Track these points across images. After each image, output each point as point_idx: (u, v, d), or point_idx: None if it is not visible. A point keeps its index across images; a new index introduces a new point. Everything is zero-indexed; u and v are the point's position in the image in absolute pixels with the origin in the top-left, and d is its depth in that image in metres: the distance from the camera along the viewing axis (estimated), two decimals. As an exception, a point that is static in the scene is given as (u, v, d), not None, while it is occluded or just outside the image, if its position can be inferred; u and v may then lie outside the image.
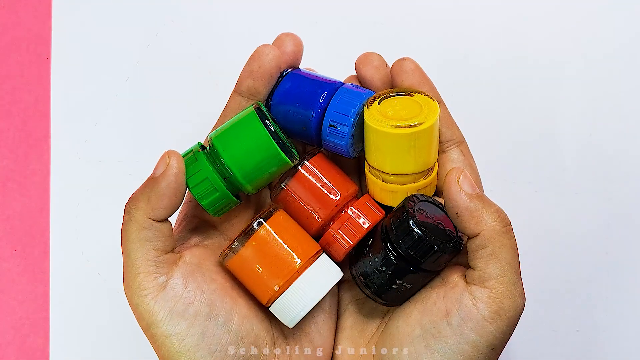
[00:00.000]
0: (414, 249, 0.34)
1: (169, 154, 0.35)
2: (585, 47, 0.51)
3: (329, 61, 0.51)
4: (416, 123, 0.34)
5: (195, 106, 0.52)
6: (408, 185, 0.36)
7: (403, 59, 0.37)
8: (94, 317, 0.51)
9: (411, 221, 0.34)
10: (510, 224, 0.34)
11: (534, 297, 0.50)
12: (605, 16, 0.51)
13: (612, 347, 0.50)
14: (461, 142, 0.38)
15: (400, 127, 0.34)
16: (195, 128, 0.52)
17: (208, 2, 0.53)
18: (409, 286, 0.36)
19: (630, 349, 0.50)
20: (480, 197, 0.34)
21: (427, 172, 0.37)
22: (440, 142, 0.38)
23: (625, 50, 0.51)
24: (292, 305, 0.35)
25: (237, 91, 0.37)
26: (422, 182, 0.37)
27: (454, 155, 0.38)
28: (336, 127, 0.36)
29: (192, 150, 0.36)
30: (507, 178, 0.51)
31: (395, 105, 0.36)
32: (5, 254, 0.52)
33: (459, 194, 0.34)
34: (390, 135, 0.34)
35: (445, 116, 0.38)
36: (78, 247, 0.51)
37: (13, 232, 0.52)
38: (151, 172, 0.35)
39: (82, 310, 0.51)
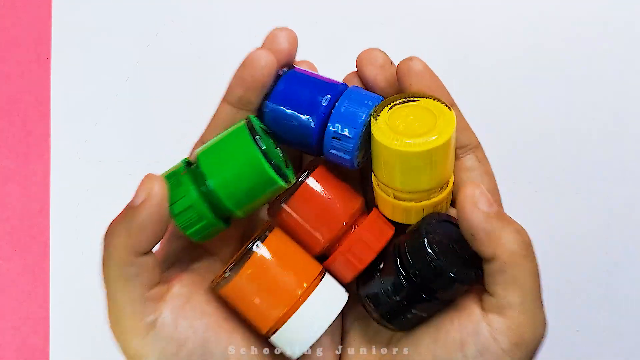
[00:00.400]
0: (432, 280, 0.31)
1: (150, 178, 0.30)
2: (586, 48, 0.51)
3: (329, 61, 0.50)
4: (432, 138, 0.30)
5: (195, 106, 0.52)
6: (423, 202, 0.32)
7: (410, 58, 0.33)
8: (94, 317, 0.51)
9: (429, 249, 0.31)
10: (532, 244, 0.31)
11: (534, 297, 0.50)
12: (606, 16, 0.51)
13: (612, 347, 0.50)
14: (476, 147, 0.34)
15: (414, 143, 0.30)
16: (195, 128, 0.52)
17: (208, 2, 0.53)
18: (424, 315, 0.32)
19: (630, 349, 0.50)
20: (499, 216, 0.31)
21: (443, 185, 0.33)
22: (455, 148, 0.34)
23: (626, 51, 0.51)
24: (297, 334, 0.31)
25: (226, 100, 0.33)
26: (438, 197, 0.33)
27: (469, 162, 0.34)
28: (340, 140, 0.32)
29: (175, 172, 0.32)
30: (507, 178, 0.51)
31: (406, 115, 0.32)
32: (5, 254, 0.52)
33: (474, 213, 0.30)
34: (403, 154, 0.30)
35: (460, 120, 0.34)
36: (78, 247, 0.51)
37: (13, 232, 0.52)
38: (130, 200, 0.31)
39: (82, 310, 0.51)
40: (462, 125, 0.34)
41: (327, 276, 0.33)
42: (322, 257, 0.34)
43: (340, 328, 0.36)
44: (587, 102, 0.51)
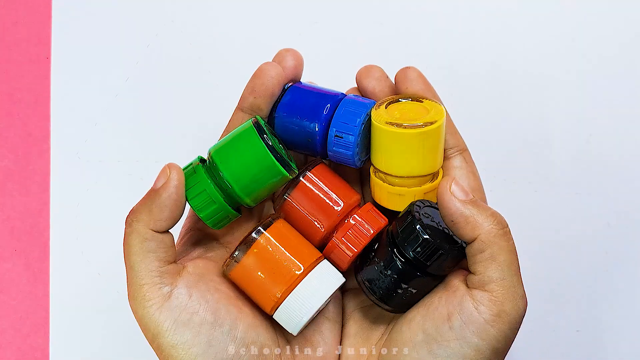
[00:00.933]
0: (420, 252, 0.34)
1: (169, 166, 0.35)
2: (585, 48, 0.51)
3: (329, 61, 0.51)
4: (423, 123, 0.35)
5: (195, 106, 0.52)
6: (415, 188, 0.37)
7: (407, 67, 0.38)
8: (94, 317, 0.51)
9: (417, 225, 0.34)
10: (508, 226, 0.34)
11: (534, 297, 0.50)
12: (605, 16, 0.51)
13: (612, 347, 0.50)
14: (464, 150, 0.39)
15: (409, 127, 0.35)
16: (194, 128, 0.52)
17: (208, 3, 0.53)
18: (414, 291, 0.36)
19: (630, 349, 0.50)
20: (475, 202, 0.34)
21: (433, 176, 0.37)
22: (444, 149, 0.38)
23: (625, 51, 0.51)
24: (294, 311, 0.35)
25: (240, 108, 0.38)
26: (428, 185, 0.37)
27: (456, 162, 0.38)
28: (342, 137, 0.36)
29: (191, 164, 0.36)
30: (507, 178, 0.51)
31: (402, 108, 0.36)
32: (5, 254, 0.52)
33: (451, 201, 0.34)
34: (399, 135, 0.35)
35: (449, 123, 0.39)
36: (78, 247, 0.51)
37: (13, 232, 0.52)
38: (152, 185, 0.35)
39: (82, 310, 0.51)
40: (452, 128, 0.39)
41: (325, 261, 0.37)
42: (324, 248, 0.38)
43: (341, 316, 0.40)
44: (587, 102, 0.51)
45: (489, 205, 0.35)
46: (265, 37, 0.52)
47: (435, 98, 0.38)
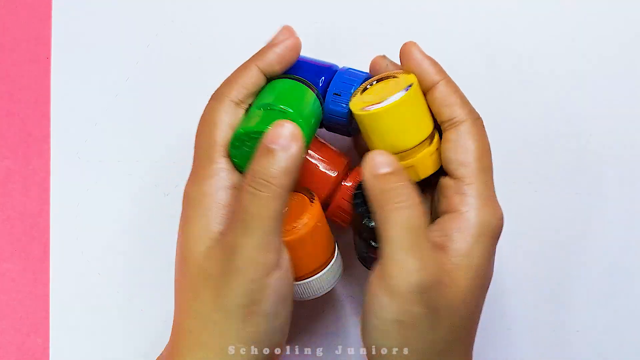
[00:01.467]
0: (366, 230, 0.37)
1: (289, 122, 0.34)
2: (585, 48, 0.51)
3: (328, 61, 0.50)
4: (380, 104, 0.36)
5: (196, 106, 0.52)
6: (419, 155, 0.38)
7: (405, 43, 0.40)
8: (94, 317, 0.51)
9: (357, 207, 0.37)
10: (406, 200, 0.34)
11: (534, 297, 0.50)
12: (605, 16, 0.51)
13: (612, 347, 0.50)
14: (463, 122, 0.38)
15: (363, 109, 0.37)
16: (194, 128, 0.52)
17: (208, 2, 0.53)
18: (373, 257, 0.38)
19: (630, 349, 0.50)
20: (384, 177, 0.34)
21: (431, 137, 0.38)
22: (441, 122, 0.39)
23: (625, 51, 0.51)
24: (317, 286, 0.39)
25: (258, 66, 0.39)
26: (430, 148, 0.38)
27: (449, 136, 0.38)
28: (340, 95, 0.39)
29: (270, 111, 0.37)
30: (507, 178, 0.51)
31: (375, 90, 0.38)
32: (5, 254, 0.52)
33: (364, 174, 0.35)
34: (370, 116, 0.37)
35: (446, 95, 0.38)
36: (78, 247, 0.51)
37: (13, 232, 0.52)
38: (271, 142, 0.34)
39: (82, 310, 0.51)
40: (447, 100, 0.38)
41: (337, 256, 0.41)
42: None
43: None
44: (587, 101, 0.51)
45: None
46: (265, 37, 0.51)
47: (431, 70, 0.38)
